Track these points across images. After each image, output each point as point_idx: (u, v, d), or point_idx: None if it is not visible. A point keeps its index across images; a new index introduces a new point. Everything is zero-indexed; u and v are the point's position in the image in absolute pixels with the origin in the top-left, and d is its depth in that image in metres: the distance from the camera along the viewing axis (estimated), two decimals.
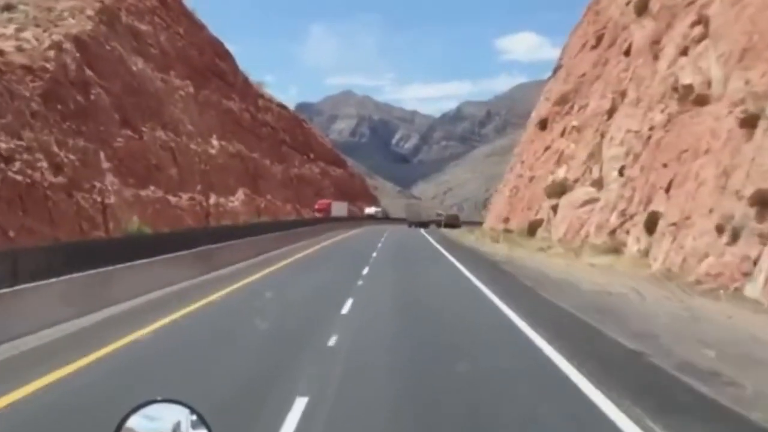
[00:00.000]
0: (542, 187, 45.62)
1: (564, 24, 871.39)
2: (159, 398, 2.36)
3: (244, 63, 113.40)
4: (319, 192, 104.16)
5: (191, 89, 76.86)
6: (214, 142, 76.56)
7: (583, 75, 48.65)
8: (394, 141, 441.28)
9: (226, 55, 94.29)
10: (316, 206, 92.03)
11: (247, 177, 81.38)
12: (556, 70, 67.10)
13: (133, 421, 2.29)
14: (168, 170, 58.79)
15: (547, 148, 49.89)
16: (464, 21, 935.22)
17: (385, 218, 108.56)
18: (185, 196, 59.30)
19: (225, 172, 74.23)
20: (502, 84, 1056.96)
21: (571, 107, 48.15)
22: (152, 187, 53.71)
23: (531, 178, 50.13)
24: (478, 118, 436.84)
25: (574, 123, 44.45)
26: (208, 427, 2.34)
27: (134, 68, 63.38)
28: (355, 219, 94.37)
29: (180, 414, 2.31)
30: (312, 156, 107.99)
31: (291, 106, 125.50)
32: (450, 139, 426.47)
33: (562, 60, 65.89)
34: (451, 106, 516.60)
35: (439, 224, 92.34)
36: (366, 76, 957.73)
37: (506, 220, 55.46)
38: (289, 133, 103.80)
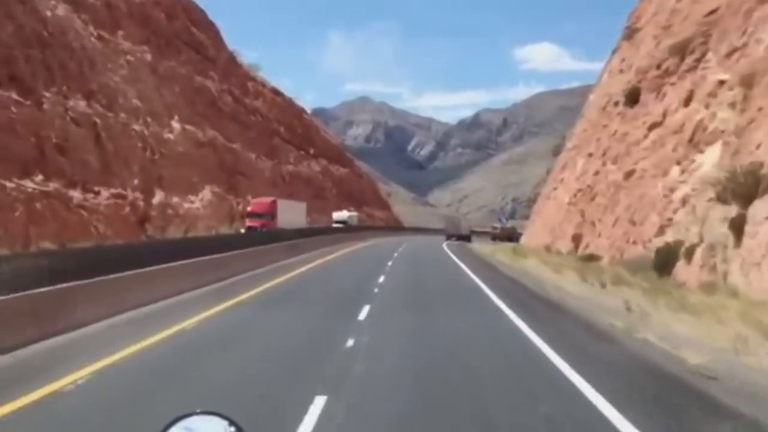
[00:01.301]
0: (661, 186, 25.48)
1: (583, 36, 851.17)
2: (198, 410, 2.24)
3: (264, 68, 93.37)
4: (319, 194, 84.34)
5: (148, 56, 57.27)
6: (175, 124, 56.77)
7: (714, 11, 28.60)
8: (409, 147, 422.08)
9: (207, 26, 74.99)
10: (249, 208, 56.14)
11: (221, 172, 61.62)
12: (630, 35, 46.52)
13: None
14: (81, 154, 39.19)
15: (653, 127, 29.72)
16: (483, 30, 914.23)
17: (365, 228, 78.14)
18: (106, 193, 39.58)
19: (186, 164, 54.45)
20: (519, 93, 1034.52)
21: (700, 58, 27.99)
22: (40, 176, 34.08)
23: (628, 174, 29.93)
24: (495, 125, 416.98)
25: (723, 76, 24.31)
26: None
27: (47, 13, 44.00)
28: (359, 229, 74.44)
29: (218, 426, 2.20)
30: (312, 152, 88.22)
31: (307, 110, 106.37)
32: (466, 147, 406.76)
33: (632, 23, 46.10)
34: (467, 113, 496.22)
35: (494, 237, 79.95)
36: (383, 83, 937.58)
37: (577, 239, 35.21)
38: (285, 123, 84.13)
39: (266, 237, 38.31)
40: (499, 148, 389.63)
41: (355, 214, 78.71)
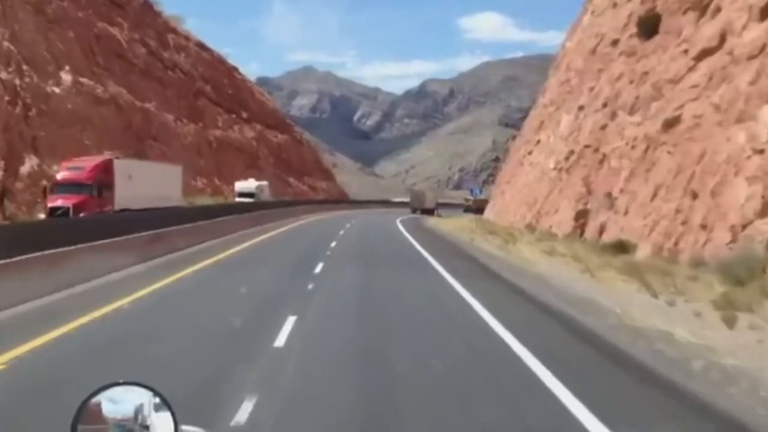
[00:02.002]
0: (745, 138, 15.64)
1: (527, 6, 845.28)
2: (121, 381, 2.13)
3: (204, 36, 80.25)
4: (254, 163, 73.14)
5: None
6: (64, 76, 44.85)
7: None
8: (356, 118, 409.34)
9: None
10: (58, 176, 30.74)
11: (125, 136, 50.03)
12: None
13: (94, 404, 2.08)
14: None
15: (705, 55, 19.89)
16: (427, 0, 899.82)
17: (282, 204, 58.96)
18: None
19: (77, 123, 42.78)
20: (465, 63, 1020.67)
21: None
22: None
23: (669, 124, 19.90)
24: (441, 95, 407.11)
25: None
26: (170, 409, 2.10)
27: None
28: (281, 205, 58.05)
29: (143, 396, 2.11)
30: (246, 116, 76.72)
31: (251, 80, 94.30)
32: (413, 117, 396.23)
33: None
34: (414, 83, 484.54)
35: (467, 210, 76.79)
36: (328, 53, 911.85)
37: (581, 217, 25.27)
38: (213, 83, 72.44)
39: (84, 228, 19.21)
40: (445, 118, 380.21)
41: (265, 183, 60.14)
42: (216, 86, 72.37)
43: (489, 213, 55.03)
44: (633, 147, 22.39)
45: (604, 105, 29.16)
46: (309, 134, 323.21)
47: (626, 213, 20.63)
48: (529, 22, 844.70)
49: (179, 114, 61.76)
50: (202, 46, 73.99)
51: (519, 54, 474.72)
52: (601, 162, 25.27)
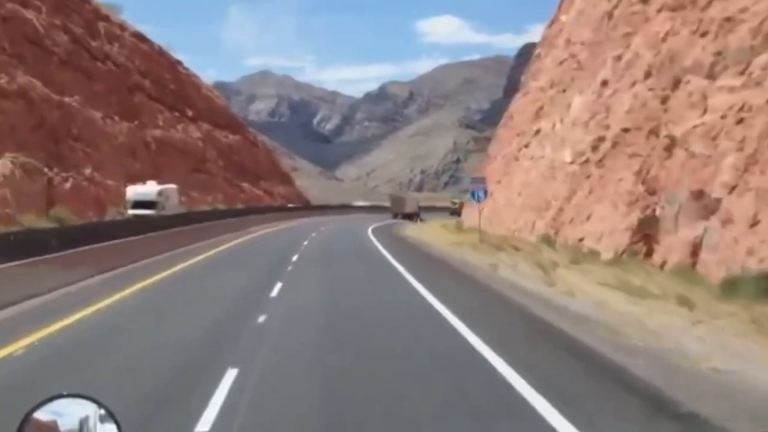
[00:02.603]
0: None
1: (483, 9, 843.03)
2: (65, 393, 2.07)
3: (162, 41, 70.43)
4: (200, 166, 63.99)
5: None
6: None
7: None
8: (315, 121, 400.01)
9: None
10: None
11: (37, 134, 40.76)
12: None
13: (38, 417, 2.02)
14: None
15: None
16: (385, 3, 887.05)
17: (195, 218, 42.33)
18: None
19: None
20: (423, 66, 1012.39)
21: None
22: None
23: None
24: (400, 98, 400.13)
25: None
26: (116, 421, 2.07)
27: None
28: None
29: (87, 408, 2.06)
30: (191, 114, 67.47)
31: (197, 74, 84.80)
32: (373, 120, 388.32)
33: None
34: (373, 87, 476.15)
35: (453, 213, 70.06)
36: (286, 57, 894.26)
37: (646, 234, 16.97)
38: (153, 77, 63.05)
39: None
40: (405, 121, 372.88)
41: (171, 187, 44.95)
42: (156, 81, 63.03)
43: (470, 218, 46.87)
44: (741, 121, 14.26)
45: (648, 74, 21.12)
46: (268, 138, 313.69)
47: (756, 223, 12.44)
48: (485, 25, 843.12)
49: (110, 111, 52.39)
50: (139, 37, 64.49)
51: (476, 56, 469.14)
52: (669, 148, 17.13)
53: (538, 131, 33.54)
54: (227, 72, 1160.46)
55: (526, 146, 34.67)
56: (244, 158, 75.13)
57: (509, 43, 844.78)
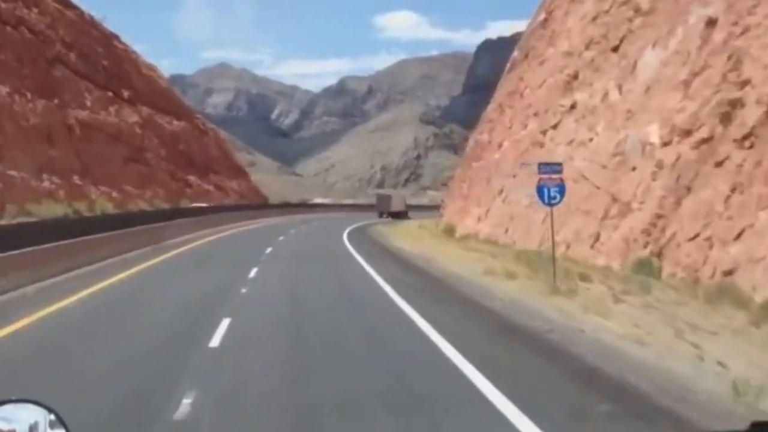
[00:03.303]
0: None
1: (441, 4, 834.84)
2: (13, 398, 1.99)
3: (116, 30, 58.82)
4: (137, 156, 53.49)
5: None
6: None
7: None
8: (273, 116, 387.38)
9: None
10: None
11: None
12: None
13: None
14: None
15: None
16: None
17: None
18: None
19: None
20: (382, 61, 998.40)
21: None
22: None
23: None
24: (359, 93, 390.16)
25: None
26: (65, 427, 2.01)
27: None
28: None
29: (37, 414, 1.98)
30: (126, 95, 56.77)
31: (164, 76, 73.88)
32: (331, 115, 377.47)
33: None
34: (331, 82, 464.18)
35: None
36: (243, 50, 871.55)
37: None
38: (80, 50, 52.26)
39: None
40: (365, 117, 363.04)
41: None
42: (84, 55, 52.24)
43: (458, 222, 37.77)
44: None
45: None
46: (225, 132, 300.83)
47: None
48: (443, 21, 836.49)
49: (19, 85, 41.80)
50: (65, 3, 53.57)
51: (434, 52, 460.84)
52: None
53: (572, 106, 24.43)
54: (184, 64, 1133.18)
55: (555, 127, 25.53)
56: (192, 148, 64.70)
57: (467, 39, 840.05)
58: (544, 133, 26.53)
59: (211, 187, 64.41)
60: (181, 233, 35.76)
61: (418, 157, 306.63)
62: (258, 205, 65.46)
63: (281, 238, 36.83)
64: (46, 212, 35.04)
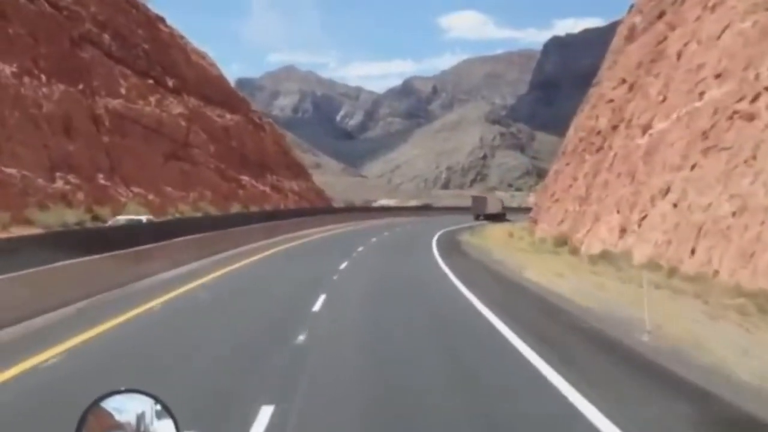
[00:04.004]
0: None
1: (505, 3, 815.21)
2: (122, 389, 2.01)
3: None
4: (182, 152, 45.36)
5: None
6: None
7: None
8: (338, 118, 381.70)
9: None
10: None
11: None
12: None
13: (97, 413, 1.97)
14: None
15: None
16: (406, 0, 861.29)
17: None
18: None
19: None
20: (446, 62, 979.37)
21: None
22: None
23: None
24: (424, 93, 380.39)
25: None
26: (172, 416, 2.01)
27: None
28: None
29: (144, 404, 2.00)
30: (171, 84, 48.80)
31: (231, 81, 67.25)
32: (396, 116, 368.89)
33: None
34: (396, 83, 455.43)
35: None
36: (309, 53, 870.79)
37: None
38: (114, 30, 44.40)
39: None
40: (429, 117, 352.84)
41: None
42: (120, 36, 44.35)
43: (574, 232, 27.90)
44: None
45: None
46: (291, 134, 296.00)
47: None
48: (508, 20, 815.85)
49: (33, 66, 33.95)
50: None
51: (499, 51, 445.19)
52: None
53: None
54: (251, 68, 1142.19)
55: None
56: (246, 144, 56.33)
57: (533, 37, 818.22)
58: (744, 100, 16.53)
59: (267, 189, 55.90)
60: (229, 245, 27.07)
61: (484, 157, 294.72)
62: (317, 210, 56.23)
63: (342, 266, 25.56)
64: (52, 220, 26.84)
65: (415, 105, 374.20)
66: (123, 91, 42.19)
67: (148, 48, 47.82)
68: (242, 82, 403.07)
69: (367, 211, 73.74)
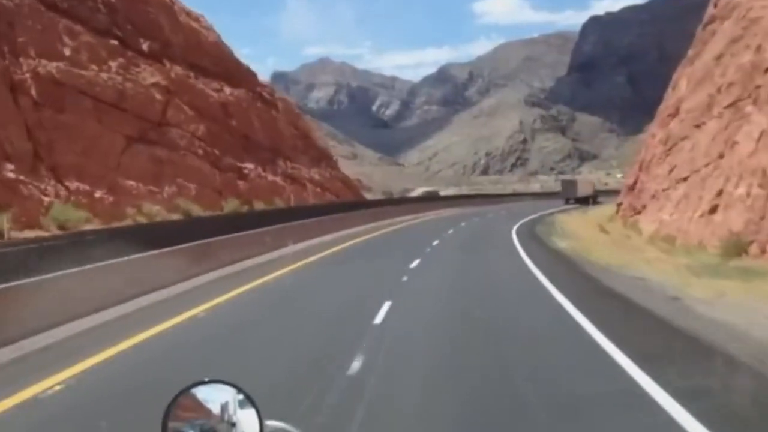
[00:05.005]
0: None
1: None
2: (206, 379, 2.01)
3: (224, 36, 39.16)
4: (150, 134, 33.29)
5: None
6: None
7: None
8: (374, 108, 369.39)
9: None
10: None
11: None
12: None
13: (182, 402, 1.98)
14: None
15: None
16: None
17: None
18: None
19: None
20: (482, 47, 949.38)
21: None
22: None
23: None
24: (460, 80, 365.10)
25: None
26: (255, 406, 1.99)
27: None
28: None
29: (227, 394, 1.99)
30: (146, 47, 36.69)
31: (266, 75, 55.83)
32: (432, 104, 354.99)
33: None
34: (431, 71, 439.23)
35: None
36: (343, 45, 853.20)
37: None
38: None
39: None
40: (466, 103, 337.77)
41: None
42: None
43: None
44: None
45: None
46: (327, 126, 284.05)
47: None
48: (544, 3, 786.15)
49: None
50: None
51: (535, 34, 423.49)
52: None
53: None
54: (286, 61, 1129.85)
55: None
56: (252, 125, 43.93)
57: (570, 19, 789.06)
58: None
59: (278, 178, 43.57)
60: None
61: (524, 141, 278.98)
62: (341, 205, 43.18)
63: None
64: None
65: (452, 92, 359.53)
66: (67, 51, 30.16)
67: (116, 1, 35.70)
68: (277, 76, 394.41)
69: (402, 203, 60.96)
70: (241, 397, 1.97)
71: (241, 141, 41.89)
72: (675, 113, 29.74)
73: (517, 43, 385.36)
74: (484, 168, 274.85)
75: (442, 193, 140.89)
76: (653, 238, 24.98)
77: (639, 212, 30.30)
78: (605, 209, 43.29)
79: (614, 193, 54.21)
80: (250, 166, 41.13)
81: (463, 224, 37.47)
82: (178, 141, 34.79)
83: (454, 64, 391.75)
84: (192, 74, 40.03)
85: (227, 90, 43.15)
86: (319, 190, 48.91)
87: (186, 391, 1.97)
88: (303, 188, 46.78)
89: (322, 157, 55.59)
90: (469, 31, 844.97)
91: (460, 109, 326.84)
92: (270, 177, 42.75)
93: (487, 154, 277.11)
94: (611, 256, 19.06)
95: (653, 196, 28.38)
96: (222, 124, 40.37)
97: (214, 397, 1.97)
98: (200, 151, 36.13)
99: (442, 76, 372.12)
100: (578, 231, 29.65)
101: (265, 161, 43.52)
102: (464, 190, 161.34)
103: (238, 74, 46.39)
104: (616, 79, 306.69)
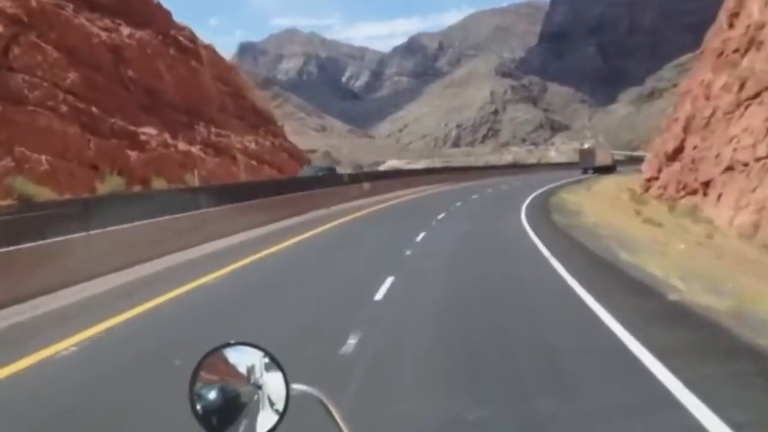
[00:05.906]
0: None
1: None
2: (232, 342, 1.95)
3: (185, 7, 24.90)
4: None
5: None
6: None
7: None
8: (344, 79, 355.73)
9: None
10: None
11: None
12: None
13: (208, 364, 1.92)
14: None
15: None
16: None
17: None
18: None
19: None
20: (452, 17, 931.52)
21: None
22: None
23: None
24: (430, 50, 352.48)
25: None
26: (282, 369, 1.94)
27: None
28: None
29: (254, 357, 1.94)
30: None
31: (233, 46, 43.53)
32: (403, 75, 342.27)
33: None
34: (401, 41, 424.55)
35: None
36: (312, 16, 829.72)
37: None
38: None
39: None
40: (437, 74, 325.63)
41: None
42: None
43: None
44: None
45: None
46: (296, 97, 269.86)
47: None
48: None
49: None
50: None
51: (505, 4, 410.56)
52: None
53: None
54: (253, 32, 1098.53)
55: None
56: (161, 78, 32.56)
57: None
58: None
59: (193, 149, 32.46)
60: None
61: (495, 112, 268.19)
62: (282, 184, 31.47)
63: None
64: None
65: (422, 62, 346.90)
66: None
67: None
68: (245, 47, 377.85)
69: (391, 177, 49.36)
70: (267, 360, 1.91)
71: (141, 98, 30.64)
72: (749, 46, 19.26)
73: (488, 13, 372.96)
74: (455, 140, 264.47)
75: (414, 166, 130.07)
76: (743, 236, 14.71)
77: (695, 192, 19.84)
78: (615, 183, 33.01)
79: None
80: (152, 131, 29.93)
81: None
82: (26, 92, 23.58)
83: (424, 34, 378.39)
84: (70, 5, 28.48)
85: (125, 30, 31.66)
86: (255, 162, 37.85)
87: (212, 353, 1.90)
88: (232, 161, 35.69)
89: (262, 123, 44.20)
90: (439, 1, 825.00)
91: (431, 80, 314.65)
92: (182, 146, 31.62)
93: (458, 126, 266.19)
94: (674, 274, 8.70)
95: (728, 169, 17.90)
96: (109, 75, 29.05)
97: (241, 359, 1.91)
98: (64, 108, 24.91)
99: (412, 46, 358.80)
100: (611, 220, 19.15)
101: (176, 125, 32.35)
102: (436, 163, 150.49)
103: (144, 12, 34.77)
104: (586, 50, 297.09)
